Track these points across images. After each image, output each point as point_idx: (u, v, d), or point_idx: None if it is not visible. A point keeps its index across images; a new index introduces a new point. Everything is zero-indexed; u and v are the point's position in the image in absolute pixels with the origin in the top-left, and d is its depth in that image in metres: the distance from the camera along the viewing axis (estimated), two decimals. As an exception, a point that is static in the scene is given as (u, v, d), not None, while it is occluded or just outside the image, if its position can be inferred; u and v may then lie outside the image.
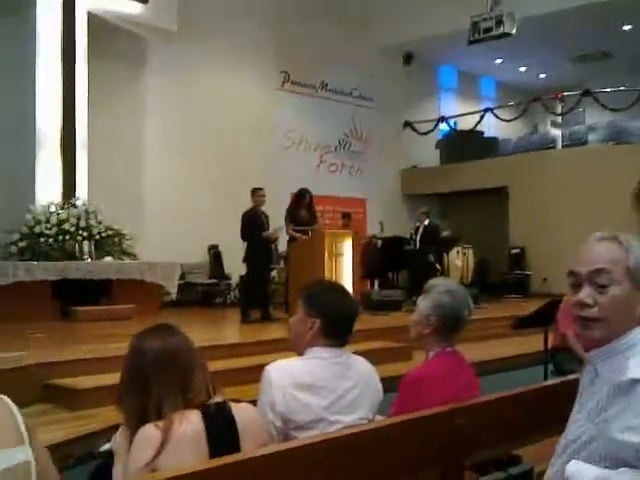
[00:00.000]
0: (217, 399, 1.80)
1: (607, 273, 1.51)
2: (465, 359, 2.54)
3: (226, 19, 11.65)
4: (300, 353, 2.22)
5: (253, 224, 8.05)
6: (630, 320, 1.52)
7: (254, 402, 2.14)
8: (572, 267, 1.57)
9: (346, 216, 10.05)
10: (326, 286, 2.37)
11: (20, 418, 1.45)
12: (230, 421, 1.77)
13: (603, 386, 1.49)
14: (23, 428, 1.43)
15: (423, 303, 2.49)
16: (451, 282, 2.61)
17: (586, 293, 1.52)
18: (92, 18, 9.61)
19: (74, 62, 9.42)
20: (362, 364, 2.31)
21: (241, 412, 1.81)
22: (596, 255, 1.54)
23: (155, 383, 1.72)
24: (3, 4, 9.08)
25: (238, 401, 1.88)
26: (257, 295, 8.20)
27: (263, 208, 8.34)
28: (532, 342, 5.94)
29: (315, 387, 2.10)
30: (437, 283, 2.56)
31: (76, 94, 9.42)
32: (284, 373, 2.09)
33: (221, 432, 1.74)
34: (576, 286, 1.56)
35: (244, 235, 8.13)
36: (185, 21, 10.54)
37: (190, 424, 1.70)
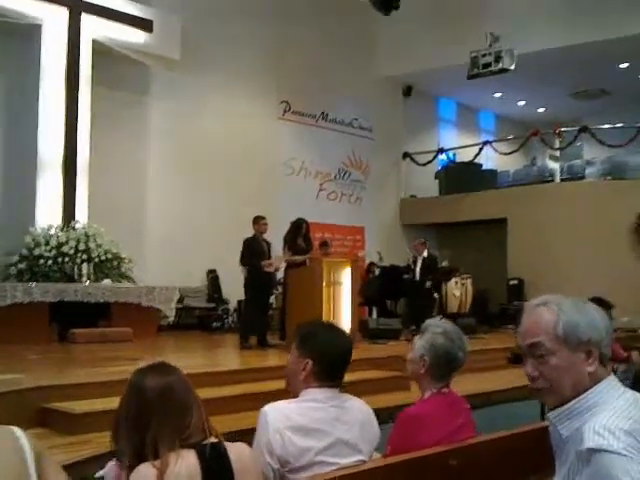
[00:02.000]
0: (213, 439, 1.81)
1: (541, 345, 1.54)
2: (461, 400, 2.57)
3: (228, 48, 11.82)
4: (296, 393, 2.24)
5: (254, 251, 8.11)
6: (579, 381, 1.52)
7: (251, 430, 2.18)
8: (517, 339, 1.61)
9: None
10: (319, 326, 2.38)
11: (29, 453, 1.46)
12: (226, 462, 1.77)
13: (571, 449, 1.47)
14: (32, 469, 1.43)
15: (419, 343, 2.52)
16: (447, 323, 2.62)
17: (529, 366, 1.57)
18: (96, 46, 9.77)
19: (77, 88, 9.56)
20: (358, 406, 2.32)
21: (237, 453, 1.81)
22: (530, 326, 1.57)
23: (153, 422, 1.73)
24: (9, 30, 9.22)
25: (234, 440, 1.90)
26: (256, 321, 8.23)
27: (264, 235, 8.41)
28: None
29: (311, 430, 2.12)
30: (432, 323, 2.59)
31: (79, 119, 9.55)
32: (280, 415, 2.11)
33: (217, 473, 1.74)
34: (523, 357, 1.60)
35: (243, 261, 8.18)
36: (188, 50, 10.72)
37: (186, 464, 1.70)
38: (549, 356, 1.53)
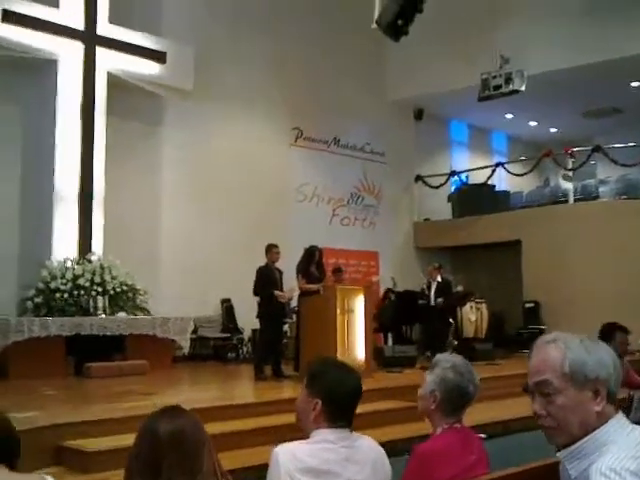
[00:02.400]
0: None
1: (548, 383, 1.54)
2: (473, 435, 2.55)
3: (240, 76, 11.95)
4: (307, 432, 2.24)
5: (267, 280, 8.13)
6: (587, 420, 1.51)
7: (264, 466, 2.17)
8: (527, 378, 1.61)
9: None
10: (328, 365, 2.37)
11: None
12: None
13: None
14: None
15: (429, 378, 2.51)
16: (456, 357, 2.60)
17: (537, 404, 1.56)
18: (111, 78, 9.93)
19: (93, 120, 9.70)
20: (370, 446, 2.31)
21: None
22: (537, 364, 1.57)
23: (166, 466, 1.72)
24: (27, 65, 9.42)
25: (248, 476, 1.90)
26: (270, 351, 8.22)
27: (277, 263, 8.42)
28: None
29: (322, 472, 2.12)
30: (442, 358, 2.58)
31: (94, 151, 9.68)
32: (291, 457, 2.11)
33: None
34: (532, 395, 1.59)
35: (257, 291, 8.19)
36: (201, 79, 10.87)
37: None
38: (556, 395, 1.52)
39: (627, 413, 4.39)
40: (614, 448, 1.45)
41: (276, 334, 8.29)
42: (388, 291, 11.84)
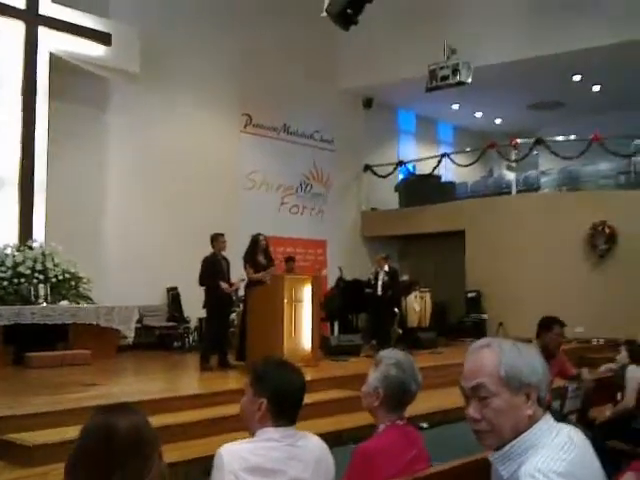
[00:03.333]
0: None
1: (484, 387, 1.57)
2: (415, 431, 2.60)
3: (189, 61, 11.77)
4: (252, 432, 2.26)
5: (213, 270, 8.04)
6: (518, 423, 1.56)
7: (209, 457, 2.17)
8: (461, 381, 1.65)
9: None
10: (272, 365, 2.38)
11: None
12: None
13: None
14: None
15: (372, 375, 2.55)
16: (400, 354, 2.63)
17: (472, 408, 1.60)
18: (54, 59, 9.63)
19: (34, 103, 9.42)
20: (314, 444, 2.32)
21: None
22: (473, 368, 1.61)
23: (119, 465, 1.64)
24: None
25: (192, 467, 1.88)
26: (217, 341, 8.17)
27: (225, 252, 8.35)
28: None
29: (266, 470, 2.13)
30: (386, 355, 2.62)
31: (36, 135, 9.40)
32: (235, 456, 2.12)
33: None
34: (466, 399, 1.63)
35: (202, 281, 8.09)
36: (147, 62, 10.63)
37: None
38: (491, 398, 1.56)
39: (562, 403, 4.54)
40: (542, 450, 1.51)
41: (222, 324, 8.23)
42: (339, 280, 11.94)
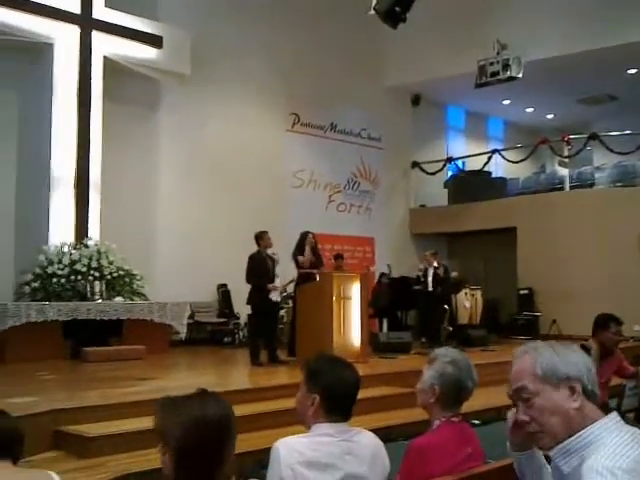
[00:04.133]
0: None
1: (525, 388, 1.63)
2: (470, 429, 2.59)
3: (238, 61, 11.90)
4: (307, 427, 2.28)
5: (259, 269, 7.99)
6: (569, 419, 1.57)
7: (261, 451, 2.19)
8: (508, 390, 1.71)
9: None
10: (326, 361, 2.39)
11: None
12: None
13: None
14: None
15: (427, 373, 2.55)
16: (456, 352, 2.63)
17: (520, 411, 1.66)
18: (108, 63, 9.88)
19: (89, 105, 9.67)
20: (369, 440, 2.34)
21: None
22: (514, 374, 1.67)
23: (223, 454, 1.63)
24: (23, 48, 9.36)
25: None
26: (264, 338, 8.18)
27: (272, 249, 8.30)
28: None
29: (322, 464, 2.16)
30: (441, 352, 2.61)
31: (90, 136, 9.65)
32: (292, 450, 2.15)
33: None
34: (515, 404, 1.69)
35: (249, 279, 8.05)
36: (198, 64, 10.82)
37: None
38: (534, 398, 1.60)
39: (619, 401, 4.45)
40: (605, 446, 1.50)
41: (267, 322, 8.13)
42: (382, 275, 11.90)
